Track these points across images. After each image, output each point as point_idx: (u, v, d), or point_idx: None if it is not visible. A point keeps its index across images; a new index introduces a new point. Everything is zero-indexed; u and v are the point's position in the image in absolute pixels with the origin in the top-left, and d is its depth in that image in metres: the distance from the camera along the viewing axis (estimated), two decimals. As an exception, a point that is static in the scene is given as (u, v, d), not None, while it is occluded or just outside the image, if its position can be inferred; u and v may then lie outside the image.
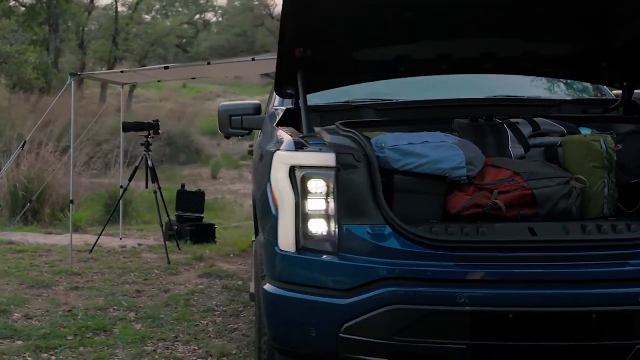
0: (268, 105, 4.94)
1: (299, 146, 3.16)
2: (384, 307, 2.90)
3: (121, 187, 8.45)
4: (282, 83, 3.92)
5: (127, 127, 7.54)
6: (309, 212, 3.07)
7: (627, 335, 2.86)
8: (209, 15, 49.72)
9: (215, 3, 50.21)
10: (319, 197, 3.06)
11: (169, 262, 7.15)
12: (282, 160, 3.15)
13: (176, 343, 4.69)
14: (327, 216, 3.05)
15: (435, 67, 3.99)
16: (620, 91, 4.37)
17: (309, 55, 3.71)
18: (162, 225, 7.51)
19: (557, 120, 3.67)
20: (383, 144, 3.29)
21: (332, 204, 3.04)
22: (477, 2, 3.60)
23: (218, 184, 18.22)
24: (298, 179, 3.08)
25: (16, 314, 5.19)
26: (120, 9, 28.88)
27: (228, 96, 43.94)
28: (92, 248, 7.57)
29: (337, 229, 3.02)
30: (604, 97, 4.47)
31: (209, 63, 7.00)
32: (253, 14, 37.62)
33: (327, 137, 3.33)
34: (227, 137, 4.87)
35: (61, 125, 12.64)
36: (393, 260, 2.96)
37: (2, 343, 4.57)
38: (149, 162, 7.50)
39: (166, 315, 5.28)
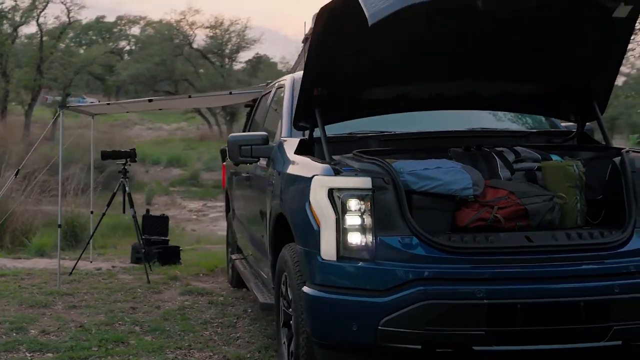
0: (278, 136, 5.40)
1: (336, 172, 3.74)
2: (417, 303, 3.48)
3: (91, 212, 8.72)
4: (299, 117, 4.48)
5: (106, 155, 7.87)
6: (348, 227, 3.63)
7: (607, 319, 3.54)
8: (122, 44, 49.57)
9: (128, 32, 50.14)
10: (357, 214, 3.62)
11: (148, 282, 7.50)
12: (322, 184, 3.71)
13: (192, 351, 5.11)
14: (364, 230, 3.62)
15: (428, 104, 4.65)
16: (569, 123, 5.18)
17: (325, 94, 4.31)
18: (143, 248, 7.85)
19: (532, 149, 4.38)
20: (402, 170, 3.88)
21: (368, 220, 3.61)
22: (462, 52, 4.29)
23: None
24: (337, 199, 3.64)
25: (33, 331, 5.48)
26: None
27: (145, 124, 43.85)
28: (72, 271, 7.83)
29: (374, 240, 3.60)
30: (561, 129, 5.23)
31: (190, 96, 7.44)
32: (173, 44, 37.86)
33: (355, 164, 3.90)
34: (237, 164, 5.35)
35: (14, 153, 12.69)
36: (422, 265, 3.54)
37: (33, 356, 4.89)
38: (127, 189, 7.85)
39: (171, 328, 5.68)
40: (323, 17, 3.94)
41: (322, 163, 3.93)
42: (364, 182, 3.63)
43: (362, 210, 3.62)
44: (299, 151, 4.48)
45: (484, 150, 4.29)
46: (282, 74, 42.46)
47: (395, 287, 3.52)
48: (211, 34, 39.64)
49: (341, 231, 3.63)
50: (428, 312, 3.48)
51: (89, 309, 6.28)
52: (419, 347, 3.51)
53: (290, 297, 4.14)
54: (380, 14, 3.45)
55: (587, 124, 4.90)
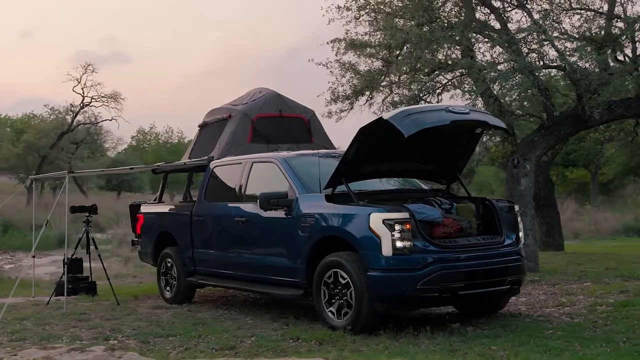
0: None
1: (386, 210, 6.73)
2: (436, 273, 6.65)
3: (33, 256, 9.94)
4: (332, 181, 7.31)
5: (74, 209, 9.35)
6: (396, 238, 6.66)
7: (505, 275, 7.13)
8: None
9: None
10: (401, 231, 6.67)
11: (118, 303, 9.18)
12: (379, 216, 6.73)
13: (257, 328, 7.41)
14: (404, 239, 6.67)
15: (387, 174, 7.87)
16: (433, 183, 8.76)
17: (346, 169, 7.27)
18: (108, 279, 9.46)
19: (440, 198, 7.81)
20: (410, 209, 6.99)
21: (406, 234, 6.67)
22: (408, 147, 7.58)
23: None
24: (388, 224, 6.66)
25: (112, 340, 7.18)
26: None
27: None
28: (49, 301, 9.10)
29: (410, 244, 6.67)
30: (433, 188, 8.74)
31: (158, 165, 9.35)
32: None
33: (387, 206, 6.90)
34: (265, 210, 7.78)
35: None
36: (434, 255, 6.74)
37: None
38: (90, 234, 9.45)
39: (211, 322, 7.81)
40: (362, 133, 6.97)
41: (369, 206, 6.87)
42: (405, 215, 6.73)
43: (403, 230, 6.67)
44: (328, 201, 7.32)
45: (425, 199, 7.63)
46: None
47: (424, 265, 6.67)
48: None
49: (392, 240, 6.64)
50: (441, 276, 6.69)
51: (124, 319, 8.01)
52: (437, 294, 6.69)
53: (343, 282, 6.91)
54: (412, 130, 6.64)
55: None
